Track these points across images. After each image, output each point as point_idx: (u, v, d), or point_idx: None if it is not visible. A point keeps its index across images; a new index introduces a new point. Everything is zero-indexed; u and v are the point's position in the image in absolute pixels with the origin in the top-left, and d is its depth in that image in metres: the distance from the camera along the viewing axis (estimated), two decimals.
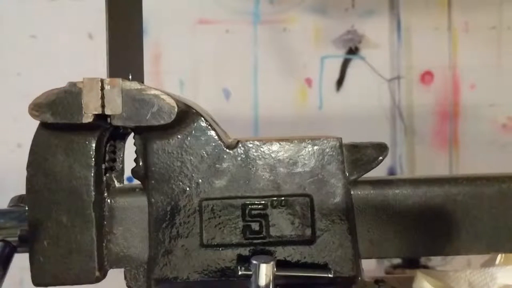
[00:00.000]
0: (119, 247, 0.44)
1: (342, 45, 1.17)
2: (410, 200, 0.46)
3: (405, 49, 1.17)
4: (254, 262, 0.41)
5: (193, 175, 0.44)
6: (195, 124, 0.44)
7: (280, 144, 0.44)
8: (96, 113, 0.39)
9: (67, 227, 0.42)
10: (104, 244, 0.44)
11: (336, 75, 1.17)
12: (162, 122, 0.40)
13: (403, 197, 0.46)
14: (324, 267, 0.44)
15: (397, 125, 1.17)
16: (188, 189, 0.44)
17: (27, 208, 0.43)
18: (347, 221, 0.44)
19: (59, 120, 0.39)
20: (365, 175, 0.45)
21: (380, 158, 0.45)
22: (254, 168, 0.44)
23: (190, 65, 1.16)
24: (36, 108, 0.39)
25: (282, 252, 0.44)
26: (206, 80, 1.16)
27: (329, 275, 0.43)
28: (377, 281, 0.47)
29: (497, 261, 0.53)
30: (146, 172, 0.44)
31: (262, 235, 0.44)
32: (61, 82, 0.40)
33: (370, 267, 1.10)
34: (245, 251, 0.44)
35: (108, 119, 0.40)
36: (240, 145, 0.44)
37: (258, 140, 0.44)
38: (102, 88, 0.39)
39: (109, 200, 0.44)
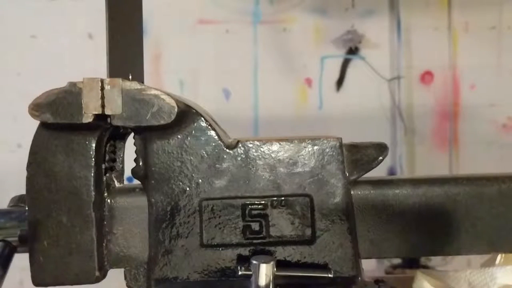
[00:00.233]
0: (119, 247, 0.44)
1: (342, 45, 1.17)
2: (410, 200, 0.46)
3: (405, 49, 1.17)
4: (254, 262, 0.40)
5: (193, 175, 0.44)
6: (195, 124, 0.44)
7: (280, 144, 0.44)
8: (96, 113, 0.39)
9: (67, 227, 0.42)
10: (104, 244, 0.44)
11: (336, 75, 1.17)
12: (162, 122, 0.40)
13: (403, 197, 0.46)
14: (324, 267, 0.44)
15: (397, 125, 1.17)
16: (188, 189, 0.44)
17: (27, 208, 0.43)
18: (347, 221, 0.44)
19: (59, 120, 0.39)
20: (365, 175, 0.45)
21: (380, 158, 0.45)
22: (254, 168, 0.44)
23: (190, 65, 1.16)
24: (36, 108, 0.39)
25: (282, 252, 0.44)
26: (206, 80, 1.16)
27: (329, 275, 0.43)
28: (377, 281, 0.47)
29: (497, 261, 0.53)
30: (146, 172, 0.44)
31: (262, 235, 0.44)
32: (61, 82, 0.40)
33: (370, 267, 1.10)
34: (245, 251, 0.44)
35: (108, 119, 0.40)
36: (240, 145, 0.44)
37: (258, 140, 0.44)
38: (102, 88, 0.39)
39: (109, 200, 0.44)
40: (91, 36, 1.14)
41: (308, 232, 0.44)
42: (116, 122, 0.40)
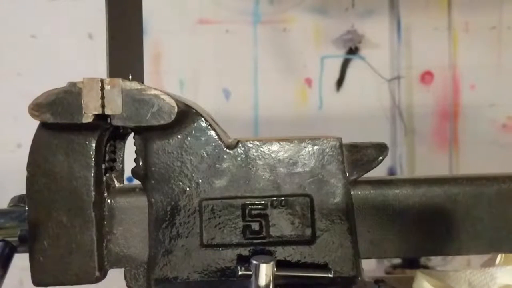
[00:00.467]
0: (119, 247, 0.44)
1: (342, 45, 1.17)
2: (410, 200, 0.46)
3: (405, 49, 1.17)
4: (254, 262, 0.41)
5: (193, 175, 0.44)
6: (195, 124, 0.44)
7: (280, 144, 0.44)
8: (96, 113, 0.39)
9: (67, 227, 0.42)
10: (104, 244, 0.44)
11: (336, 75, 1.17)
12: (162, 122, 0.40)
13: (403, 197, 0.46)
14: (324, 267, 0.44)
15: (397, 125, 1.17)
16: (188, 189, 0.44)
17: (27, 208, 0.43)
18: (347, 221, 0.44)
19: (59, 120, 0.39)
20: (365, 175, 0.45)
21: (380, 158, 0.45)
22: (254, 168, 0.44)
23: (190, 65, 1.16)
24: (36, 108, 0.39)
25: (282, 252, 0.44)
26: (206, 80, 1.16)
27: (329, 275, 0.43)
28: (377, 281, 0.47)
29: (497, 261, 0.53)
30: (146, 172, 0.44)
31: (262, 235, 0.44)
32: (61, 82, 0.40)
33: (370, 267, 1.10)
34: (245, 251, 0.44)
35: (108, 119, 0.40)
36: (240, 145, 0.44)
37: (258, 140, 0.44)
38: (102, 88, 0.39)
39: (109, 200, 0.44)
40: (91, 36, 1.14)
41: (308, 232, 0.44)
42: (116, 122, 0.40)
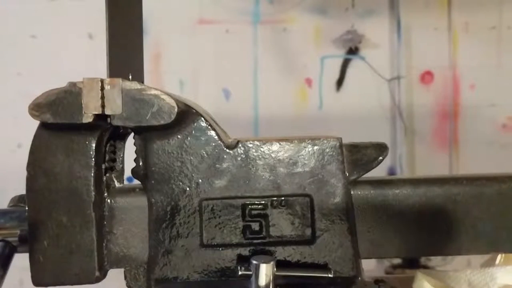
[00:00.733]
0: (119, 247, 0.44)
1: (342, 45, 1.17)
2: (410, 200, 0.46)
3: (405, 49, 1.17)
4: (254, 262, 0.41)
5: (193, 175, 0.44)
6: (195, 124, 0.44)
7: (280, 144, 0.44)
8: (96, 113, 0.39)
9: (67, 227, 0.42)
10: (104, 244, 0.44)
11: (336, 75, 1.17)
12: (162, 122, 0.40)
13: (403, 197, 0.46)
14: (324, 267, 0.44)
15: (397, 125, 1.17)
16: (188, 189, 0.44)
17: (27, 208, 0.43)
18: (347, 221, 0.44)
19: (59, 120, 0.39)
20: (365, 175, 0.45)
21: (380, 158, 0.45)
22: (254, 168, 0.44)
23: (190, 65, 1.16)
24: (36, 108, 0.39)
25: (282, 252, 0.44)
26: (206, 80, 1.16)
27: (329, 275, 0.43)
28: (377, 281, 0.47)
29: (497, 261, 0.53)
30: (146, 172, 0.44)
31: (262, 235, 0.44)
32: (61, 82, 0.40)
33: (370, 267, 1.10)
34: (245, 251, 0.44)
35: (108, 119, 0.40)
36: (240, 145, 0.44)
37: (258, 140, 0.44)
38: (102, 88, 0.39)
39: (109, 200, 0.44)
40: (91, 36, 1.14)
41: (308, 232, 0.44)
42: (116, 122, 0.40)
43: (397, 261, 1.15)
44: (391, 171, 1.16)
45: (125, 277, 0.45)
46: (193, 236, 0.44)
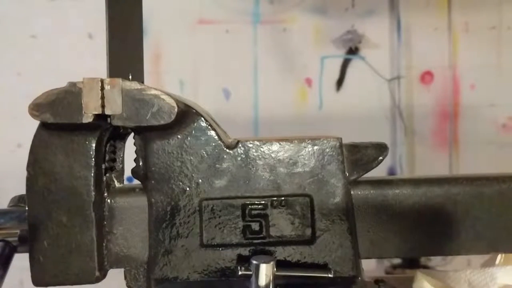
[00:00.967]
0: (119, 247, 0.44)
1: (342, 45, 1.17)
2: (410, 200, 0.46)
3: (405, 49, 1.17)
4: (254, 262, 0.41)
5: (193, 175, 0.44)
6: (195, 124, 0.44)
7: (280, 144, 0.44)
8: (96, 113, 0.39)
9: (67, 227, 0.42)
10: (104, 244, 0.44)
11: (336, 75, 1.17)
12: (162, 122, 0.40)
13: (403, 197, 0.46)
14: (324, 267, 0.44)
15: (397, 125, 1.17)
16: (188, 189, 0.44)
17: (27, 208, 0.43)
18: (347, 221, 0.44)
19: (59, 120, 0.39)
20: (365, 175, 0.45)
21: (380, 158, 0.45)
22: (254, 168, 0.44)
23: (190, 65, 1.16)
24: (36, 108, 0.39)
25: (282, 252, 0.44)
26: (206, 80, 1.16)
27: (329, 275, 0.43)
28: (377, 281, 0.47)
29: (497, 261, 0.53)
30: (146, 172, 0.44)
31: (262, 235, 0.44)
32: (61, 82, 0.40)
33: (370, 267, 1.10)
34: (245, 251, 0.44)
35: (108, 119, 0.40)
36: (240, 145, 0.44)
37: (258, 140, 0.44)
38: (102, 88, 0.39)
39: (109, 200, 0.44)
40: (91, 36, 1.14)
41: (308, 232, 0.44)
42: (116, 122, 0.40)
43: (397, 261, 1.15)
44: (391, 171, 1.16)
45: (125, 277, 0.45)
46: (193, 236, 0.44)
